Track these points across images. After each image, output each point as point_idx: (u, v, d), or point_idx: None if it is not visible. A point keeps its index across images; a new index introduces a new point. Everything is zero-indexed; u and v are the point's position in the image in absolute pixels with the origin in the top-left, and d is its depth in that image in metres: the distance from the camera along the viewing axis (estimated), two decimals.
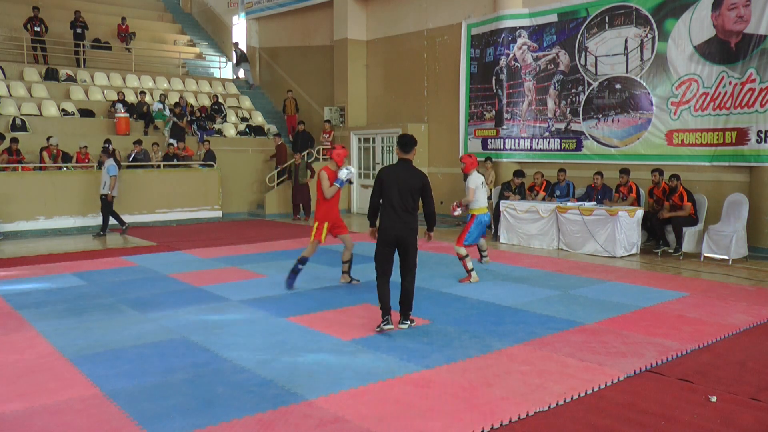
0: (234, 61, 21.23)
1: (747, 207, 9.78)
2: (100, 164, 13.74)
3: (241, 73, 21.10)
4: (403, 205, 5.73)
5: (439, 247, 10.82)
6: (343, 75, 17.76)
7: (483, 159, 13.50)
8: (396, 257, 5.90)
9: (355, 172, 8.04)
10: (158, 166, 14.80)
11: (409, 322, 5.98)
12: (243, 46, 22.29)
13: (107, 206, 12.52)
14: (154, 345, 5.52)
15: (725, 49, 10.47)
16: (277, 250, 10.81)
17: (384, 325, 5.82)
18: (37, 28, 17.37)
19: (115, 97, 16.77)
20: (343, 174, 7.50)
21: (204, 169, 15.37)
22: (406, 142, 5.90)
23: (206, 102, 18.44)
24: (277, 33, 20.84)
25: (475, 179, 8.03)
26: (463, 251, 8.04)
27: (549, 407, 4.16)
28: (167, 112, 16.58)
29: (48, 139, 13.57)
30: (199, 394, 4.37)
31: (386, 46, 17.30)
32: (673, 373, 4.81)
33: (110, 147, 13.29)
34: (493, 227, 12.16)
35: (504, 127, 13.98)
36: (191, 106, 17.34)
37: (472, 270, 8.09)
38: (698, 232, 10.03)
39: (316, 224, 7.64)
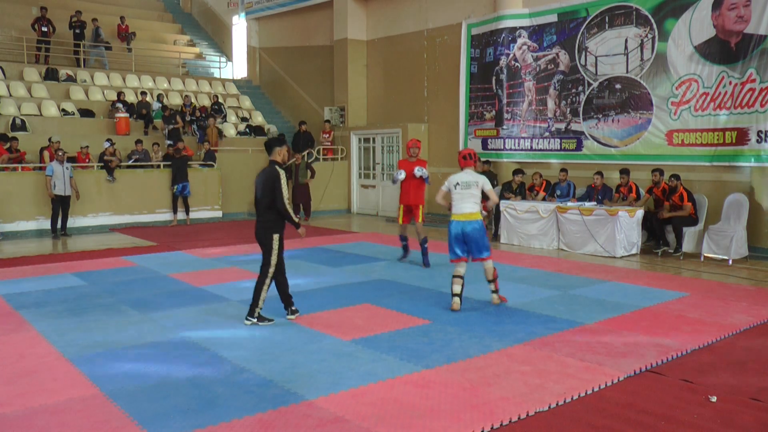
0: (93, 40, 18.62)
1: (747, 207, 9.79)
2: (103, 165, 13.83)
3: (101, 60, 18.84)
4: (261, 205, 6.07)
5: (438, 247, 10.81)
6: (343, 75, 17.76)
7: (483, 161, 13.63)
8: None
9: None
10: (158, 166, 14.80)
11: (251, 320, 6.17)
12: (243, 46, 22.32)
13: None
14: (154, 345, 5.53)
15: (725, 49, 10.47)
16: None
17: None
18: (44, 29, 17.36)
19: (115, 97, 16.76)
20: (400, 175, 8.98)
21: (204, 169, 15.36)
22: (268, 145, 6.18)
23: (206, 102, 18.43)
24: (277, 33, 20.84)
25: (449, 179, 6.93)
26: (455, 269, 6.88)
27: (549, 407, 4.16)
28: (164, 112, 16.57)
29: (50, 139, 13.56)
30: (199, 394, 4.37)
31: (386, 46, 17.30)
32: (673, 373, 4.81)
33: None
34: (492, 226, 12.17)
35: (504, 127, 13.98)
36: (194, 106, 17.30)
37: (455, 296, 6.72)
38: (698, 232, 10.03)
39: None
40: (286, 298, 6.38)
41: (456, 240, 6.69)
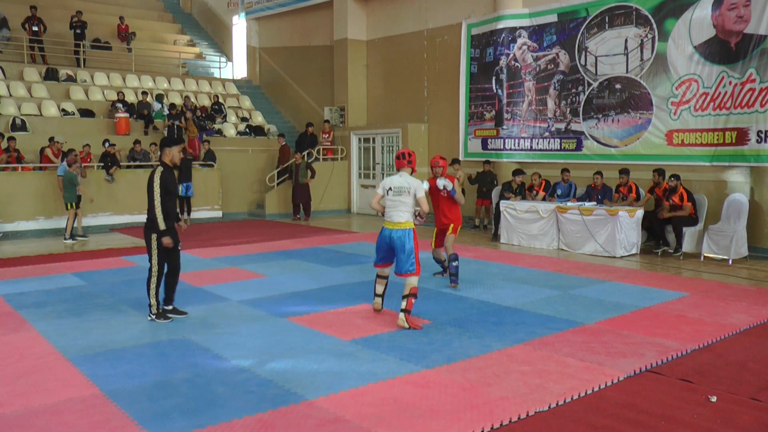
0: None
1: (747, 207, 9.79)
2: (104, 165, 13.84)
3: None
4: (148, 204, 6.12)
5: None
6: (343, 75, 17.76)
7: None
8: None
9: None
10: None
11: (151, 316, 6.27)
12: (243, 46, 22.32)
13: None
14: (154, 345, 5.53)
15: (725, 49, 10.47)
16: (277, 250, 10.81)
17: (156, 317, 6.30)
18: (35, 28, 17.32)
19: (115, 97, 16.76)
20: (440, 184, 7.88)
21: (204, 169, 15.37)
22: (160, 144, 6.32)
23: (206, 102, 18.43)
24: (277, 33, 20.84)
25: (383, 182, 6.37)
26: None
27: (549, 407, 4.16)
28: (166, 112, 16.57)
29: (51, 139, 13.55)
30: (199, 394, 4.37)
31: (386, 46, 17.30)
32: (673, 373, 4.81)
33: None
34: (492, 226, 12.17)
35: (504, 127, 13.98)
36: (194, 105, 17.28)
37: (377, 296, 6.56)
38: (698, 232, 10.03)
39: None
40: (167, 297, 6.39)
41: (382, 247, 6.24)
